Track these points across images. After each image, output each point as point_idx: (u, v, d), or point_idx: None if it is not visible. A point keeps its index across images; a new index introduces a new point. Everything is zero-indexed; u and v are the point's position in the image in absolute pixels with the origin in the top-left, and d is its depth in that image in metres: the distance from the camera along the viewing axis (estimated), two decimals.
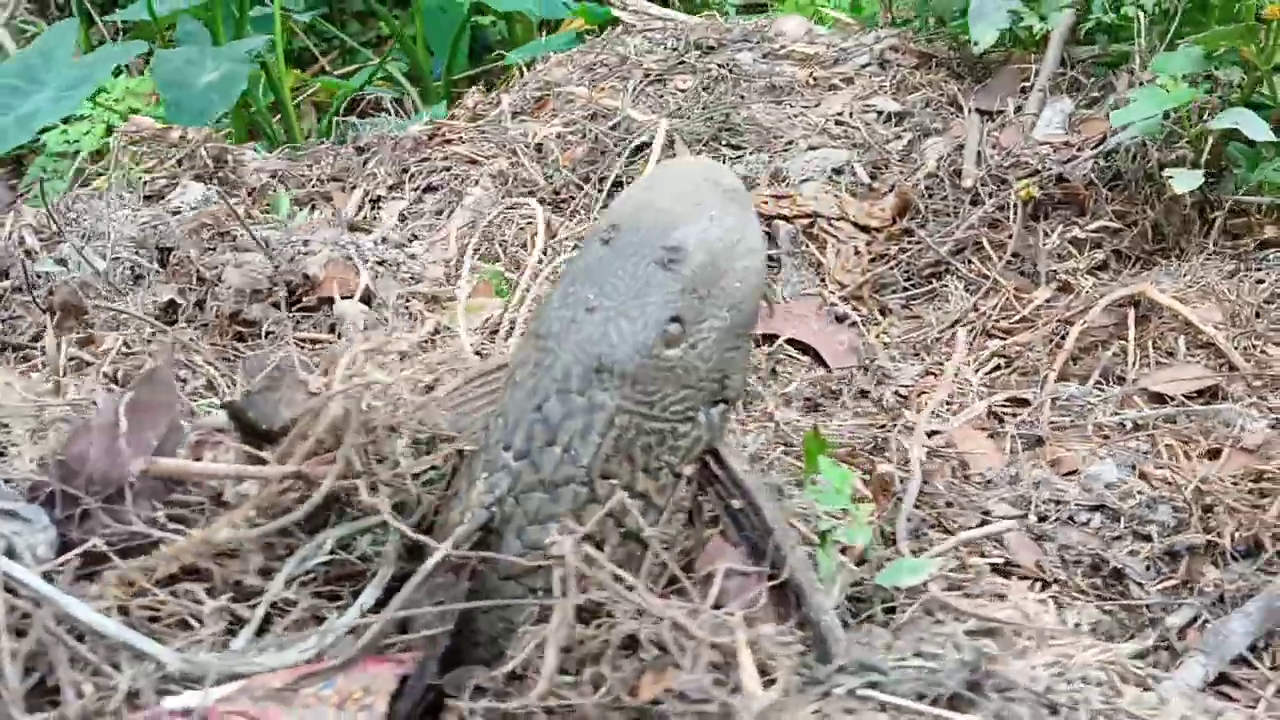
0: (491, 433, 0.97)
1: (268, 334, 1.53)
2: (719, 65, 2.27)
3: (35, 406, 1.13)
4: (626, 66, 2.33)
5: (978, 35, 2.05)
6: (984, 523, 1.25)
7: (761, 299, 0.98)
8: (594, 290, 0.96)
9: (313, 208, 2.11)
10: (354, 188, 2.21)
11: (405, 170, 2.24)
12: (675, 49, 2.34)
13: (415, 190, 2.19)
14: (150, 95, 3.04)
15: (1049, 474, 1.36)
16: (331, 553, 0.98)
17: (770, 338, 1.66)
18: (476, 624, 0.96)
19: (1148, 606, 1.17)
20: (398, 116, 2.91)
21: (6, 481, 1.03)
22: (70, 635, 0.84)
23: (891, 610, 1.02)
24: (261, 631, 0.93)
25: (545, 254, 1.67)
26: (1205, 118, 1.66)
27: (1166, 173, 1.65)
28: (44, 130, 2.64)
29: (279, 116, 2.93)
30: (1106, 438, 1.46)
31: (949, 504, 1.28)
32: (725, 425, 0.98)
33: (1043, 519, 1.29)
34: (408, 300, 1.61)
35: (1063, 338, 1.65)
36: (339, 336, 1.57)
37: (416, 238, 1.88)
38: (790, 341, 1.67)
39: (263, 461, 0.95)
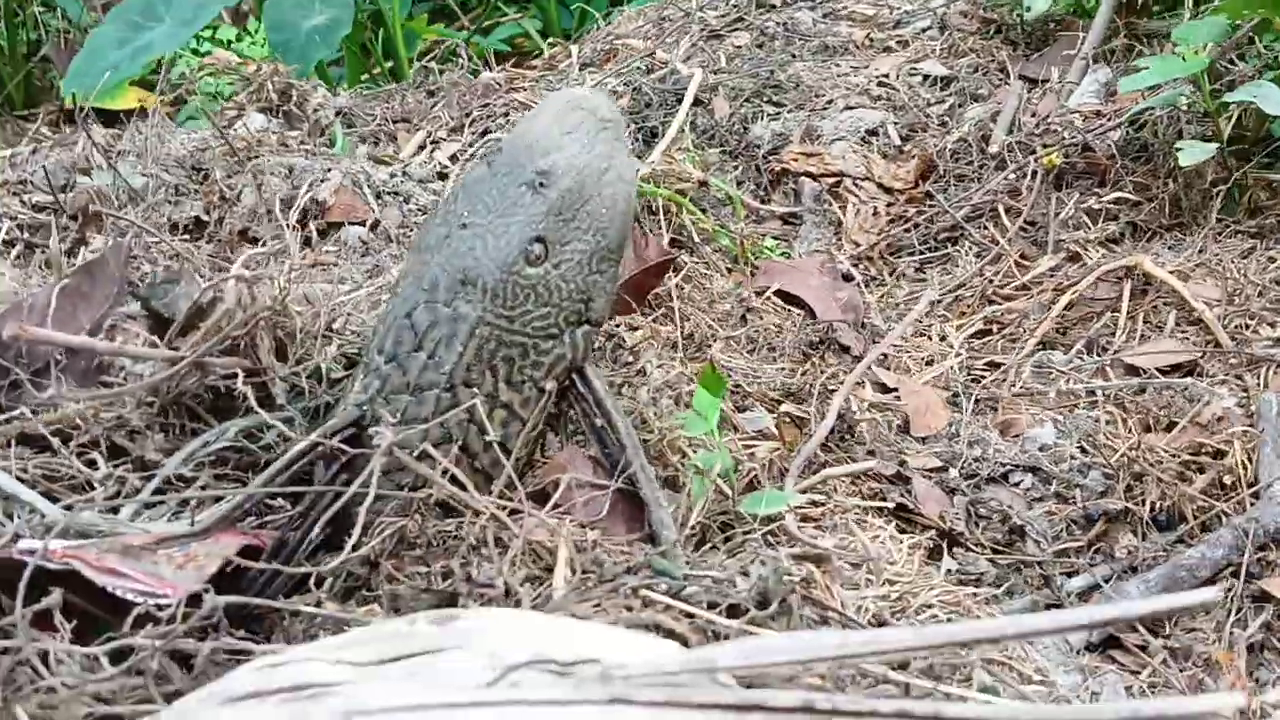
0: (370, 338, 1.04)
1: (277, 252, 1.64)
2: (776, 23, 2.28)
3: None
4: (689, 21, 2.36)
5: (1030, 0, 2.01)
6: (898, 474, 1.26)
7: (629, 227, 1.03)
8: (469, 208, 1.02)
9: (376, 144, 2.21)
10: (418, 129, 2.31)
11: (469, 114, 2.33)
12: (737, 5, 2.35)
13: (473, 134, 2.28)
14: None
15: (992, 435, 1.35)
16: (239, 445, 1.07)
17: (762, 291, 1.69)
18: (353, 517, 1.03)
19: (1040, 564, 1.16)
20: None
21: None
22: None
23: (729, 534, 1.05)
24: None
25: None
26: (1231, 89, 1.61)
27: (1176, 145, 1.60)
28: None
29: (392, 64, 3.06)
30: (1069, 407, 1.44)
31: (870, 452, 1.29)
32: (590, 346, 1.03)
33: (970, 476, 1.30)
34: (409, 230, 1.69)
35: (1054, 305, 1.63)
36: (338, 262, 1.66)
37: (444, 176, 1.97)
38: (781, 294, 1.69)
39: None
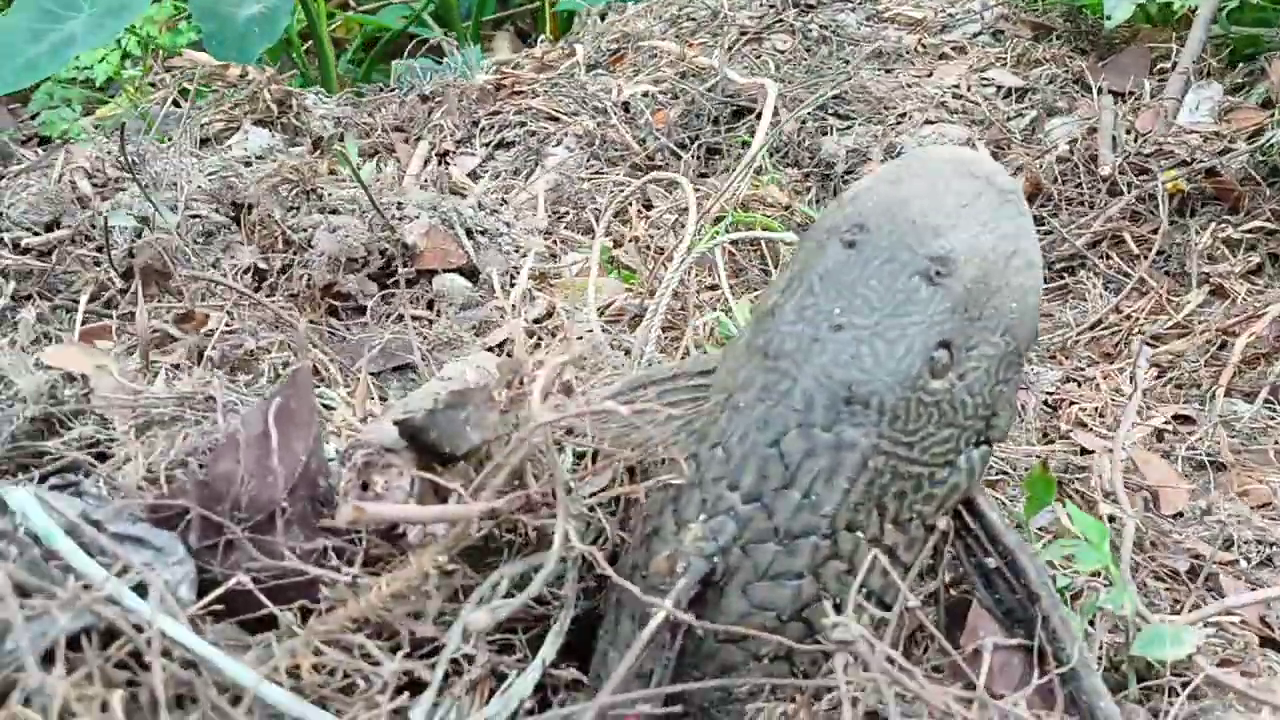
0: (707, 466, 0.82)
1: (360, 309, 1.37)
2: (820, 26, 2.10)
3: (135, 397, 0.97)
4: (718, 22, 2.16)
5: (1111, 9, 1.89)
6: (1194, 568, 1.11)
7: (1037, 323, 0.84)
8: (840, 304, 0.80)
9: (379, 161, 1.93)
10: (419, 139, 2.04)
11: (475, 123, 2.07)
12: (771, 5, 2.16)
13: (486, 146, 2.02)
14: (168, 22, 2.84)
15: (1243, 508, 1.22)
16: (507, 594, 0.83)
17: None
18: (687, 692, 0.81)
19: None
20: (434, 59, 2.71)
21: (113, 490, 0.87)
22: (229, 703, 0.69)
23: (1145, 685, 0.89)
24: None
25: (675, 234, 1.51)
26: None
27: None
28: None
29: (309, 51, 2.73)
30: None
31: (1152, 544, 1.14)
32: (985, 470, 0.83)
33: (1246, 561, 1.16)
34: (512, 276, 1.44)
35: (1220, 347, 1.52)
36: (438, 314, 1.41)
37: (506, 201, 1.72)
38: None
39: (443, 490, 0.80)
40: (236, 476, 0.79)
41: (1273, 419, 1.39)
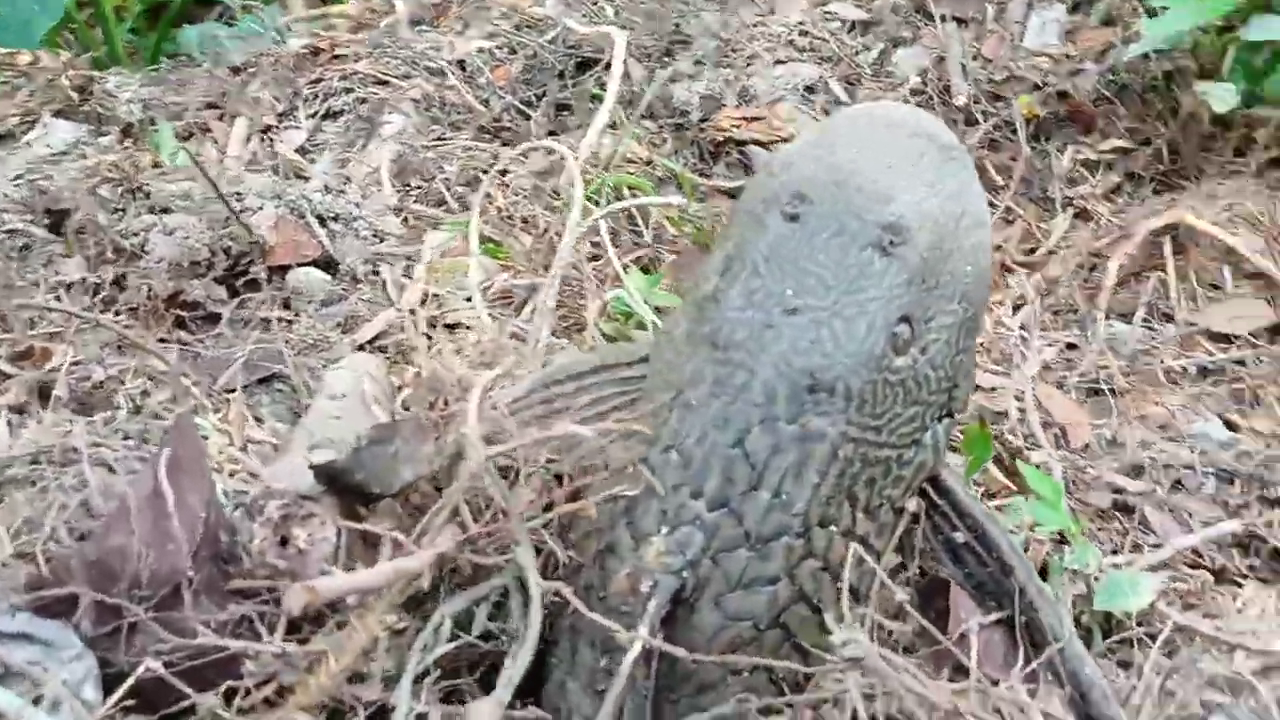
0: (662, 472, 0.75)
1: (211, 316, 1.24)
2: None
3: None
4: None
5: None
6: (1117, 504, 1.11)
7: (990, 284, 0.79)
8: (791, 284, 0.74)
9: (196, 143, 1.77)
10: (235, 117, 1.88)
11: (296, 94, 1.91)
12: None
13: (312, 118, 1.88)
14: None
15: (1149, 434, 1.23)
16: (451, 636, 0.75)
17: None
18: (661, 713, 0.75)
19: None
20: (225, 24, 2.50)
21: None
22: None
23: (1108, 635, 0.87)
24: None
25: (537, 202, 1.42)
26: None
27: (1199, 88, 1.52)
28: None
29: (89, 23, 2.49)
30: (1176, 383, 1.34)
31: (1072, 482, 1.13)
32: (948, 443, 0.79)
33: (1159, 488, 1.17)
34: (374, 265, 1.33)
35: (1091, 269, 1.53)
36: (296, 314, 1.29)
37: (349, 179, 1.59)
38: None
39: (373, 537, 0.71)
40: (132, 549, 0.68)
41: (1154, 338, 1.41)
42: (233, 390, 1.07)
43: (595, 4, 1.97)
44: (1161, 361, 1.36)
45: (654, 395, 0.79)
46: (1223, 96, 1.49)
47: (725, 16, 1.91)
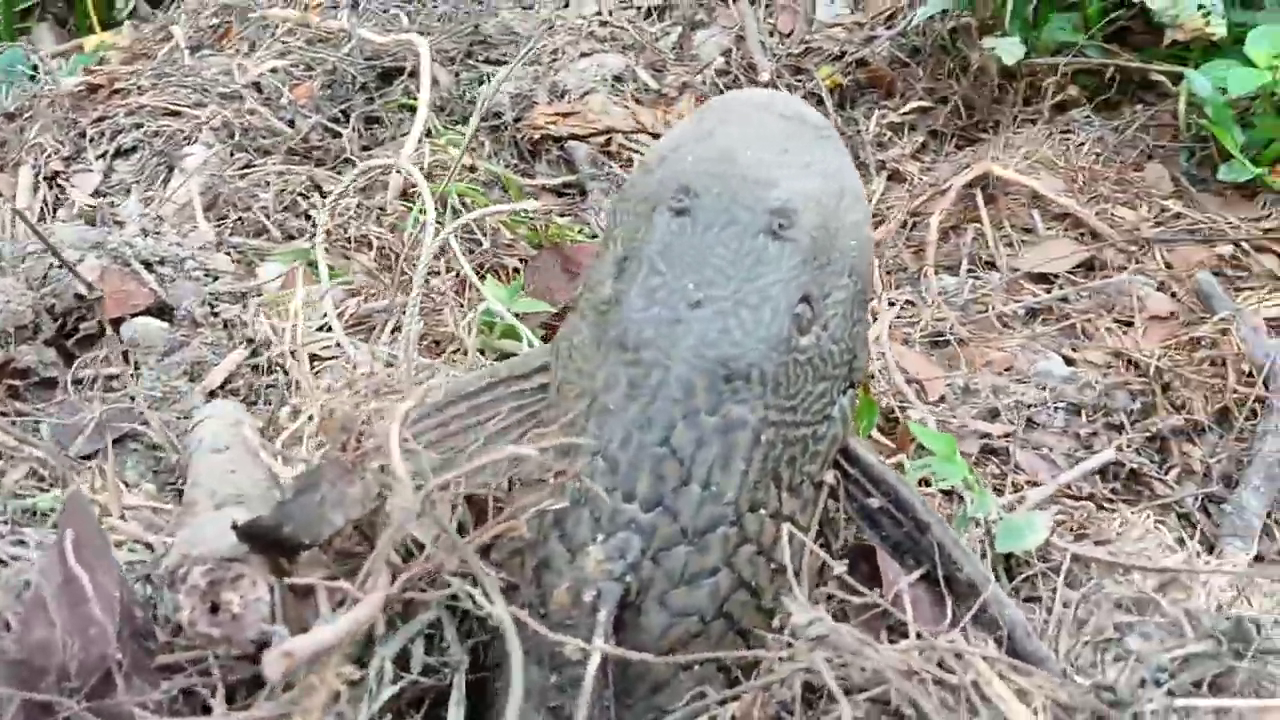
0: (590, 479, 0.75)
1: (46, 382, 1.16)
2: None
3: None
4: None
5: None
6: (985, 448, 1.17)
7: (873, 255, 0.82)
8: (691, 278, 0.75)
9: None
10: (18, 165, 1.77)
11: (82, 134, 1.81)
12: None
13: (102, 158, 1.78)
14: None
15: (997, 378, 1.30)
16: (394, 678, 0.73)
17: None
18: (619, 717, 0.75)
19: (1176, 500, 1.13)
20: None
21: None
22: None
23: (1011, 575, 0.91)
24: None
25: (361, 220, 1.39)
26: None
27: (987, 43, 1.61)
28: None
29: None
30: (1009, 327, 1.42)
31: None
32: (853, 413, 0.82)
33: (1013, 425, 1.23)
34: (212, 306, 1.27)
35: (913, 228, 1.60)
36: (136, 367, 1.22)
37: (161, 219, 1.51)
38: None
39: (302, 589, 0.68)
40: (55, 641, 0.63)
41: (981, 286, 1.49)
42: (90, 456, 1.01)
43: (387, 12, 1.93)
44: (993, 308, 1.43)
45: (563, 406, 0.78)
46: (1010, 49, 1.58)
47: (521, 13, 1.90)
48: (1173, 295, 1.41)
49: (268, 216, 1.56)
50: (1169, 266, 1.45)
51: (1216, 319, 1.31)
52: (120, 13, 2.71)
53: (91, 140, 1.80)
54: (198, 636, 0.66)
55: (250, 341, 1.23)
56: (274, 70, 1.84)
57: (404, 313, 1.10)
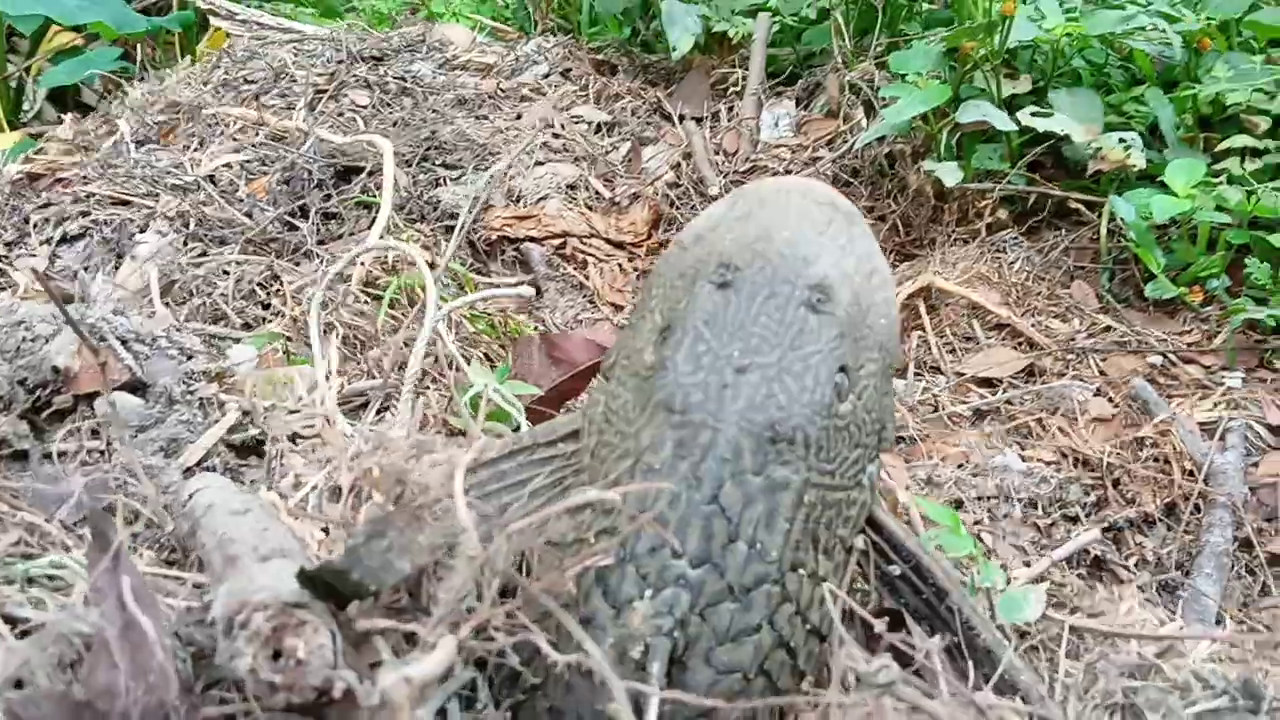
0: (633, 538, 0.76)
1: (18, 454, 1.13)
2: (395, 78, 2.04)
3: None
4: (284, 83, 2.02)
5: (675, 41, 2.01)
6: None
7: (898, 333, 0.87)
8: (737, 345, 0.79)
9: None
10: None
11: (26, 220, 1.79)
12: (339, 61, 2.06)
13: (47, 244, 1.75)
14: None
15: (958, 471, 1.35)
16: None
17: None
18: None
19: (1139, 585, 1.19)
20: None
21: None
22: None
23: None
24: None
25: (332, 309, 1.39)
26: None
27: (927, 166, 1.71)
28: None
29: None
30: (959, 425, 1.49)
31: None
32: (879, 482, 0.85)
33: (981, 515, 1.29)
34: (188, 384, 1.26)
35: None
36: (108, 443, 1.19)
37: (121, 301, 1.49)
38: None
39: (358, 636, 0.68)
40: (119, 686, 0.62)
41: (930, 388, 1.55)
42: (77, 524, 0.98)
43: (342, 116, 1.97)
44: (943, 408, 1.50)
45: (602, 469, 0.80)
46: (949, 172, 1.68)
47: (474, 122, 1.96)
48: (1110, 400, 1.49)
49: (227, 303, 1.55)
50: (1103, 374, 1.54)
51: (1158, 420, 1.39)
52: (26, 115, 2.70)
53: (35, 226, 1.78)
54: (258, 685, 0.65)
55: (246, 414, 1.22)
56: (228, 165, 1.85)
57: (396, 391, 1.10)
